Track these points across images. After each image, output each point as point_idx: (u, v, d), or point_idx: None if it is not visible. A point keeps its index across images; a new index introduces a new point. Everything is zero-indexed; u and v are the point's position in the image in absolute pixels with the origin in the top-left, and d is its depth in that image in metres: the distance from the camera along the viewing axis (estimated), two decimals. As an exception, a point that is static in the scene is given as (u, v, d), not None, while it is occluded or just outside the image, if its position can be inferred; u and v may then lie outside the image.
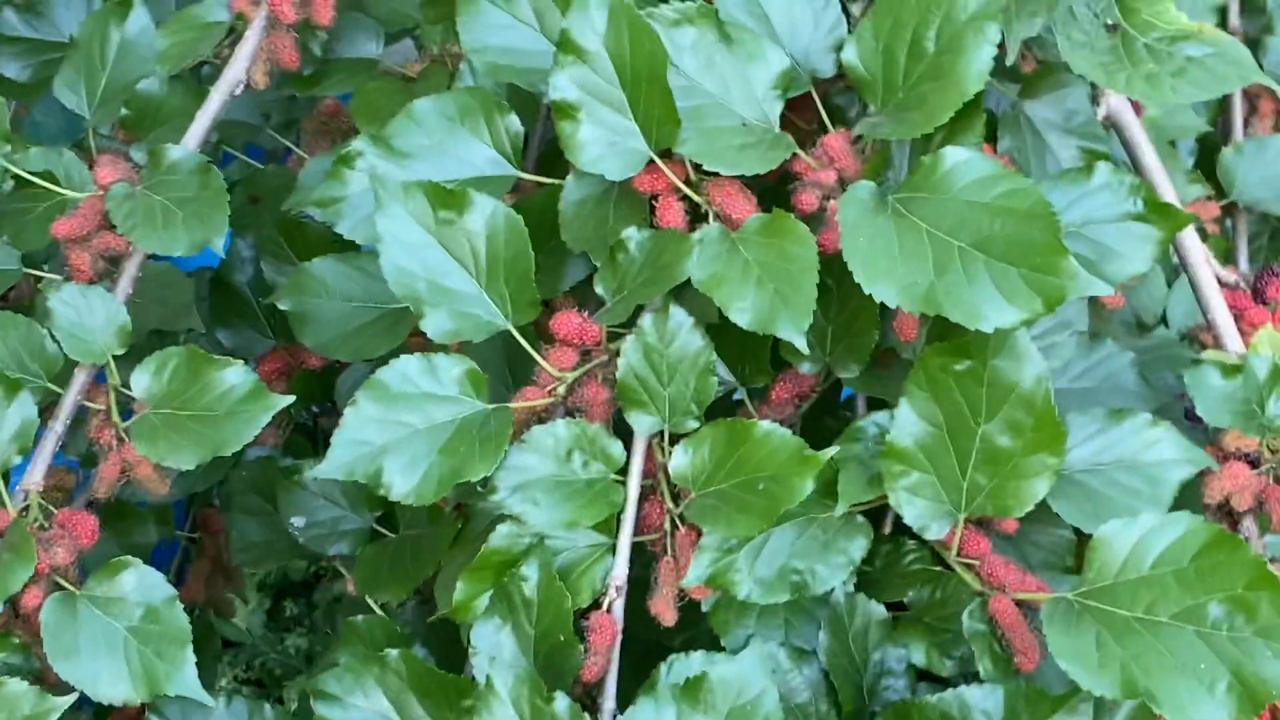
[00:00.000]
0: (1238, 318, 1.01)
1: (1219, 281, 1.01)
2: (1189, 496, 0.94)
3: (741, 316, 0.85)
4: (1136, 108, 1.03)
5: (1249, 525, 0.96)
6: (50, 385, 0.96)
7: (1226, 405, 0.94)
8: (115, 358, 0.95)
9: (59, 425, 0.96)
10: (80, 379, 0.96)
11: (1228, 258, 1.25)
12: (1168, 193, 0.99)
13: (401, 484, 0.87)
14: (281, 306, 1.06)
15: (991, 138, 1.00)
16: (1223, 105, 1.30)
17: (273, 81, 1.08)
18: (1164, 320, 1.13)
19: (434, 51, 1.20)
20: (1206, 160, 1.26)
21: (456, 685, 0.90)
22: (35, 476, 0.94)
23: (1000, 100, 1.03)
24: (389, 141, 0.97)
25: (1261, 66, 0.99)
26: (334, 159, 0.98)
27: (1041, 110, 1.01)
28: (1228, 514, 0.95)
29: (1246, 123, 1.30)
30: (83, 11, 1.52)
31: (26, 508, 0.93)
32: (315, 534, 1.13)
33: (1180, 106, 1.15)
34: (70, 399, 0.96)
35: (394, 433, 0.88)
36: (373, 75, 1.19)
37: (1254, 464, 0.95)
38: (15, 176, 0.99)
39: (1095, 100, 0.99)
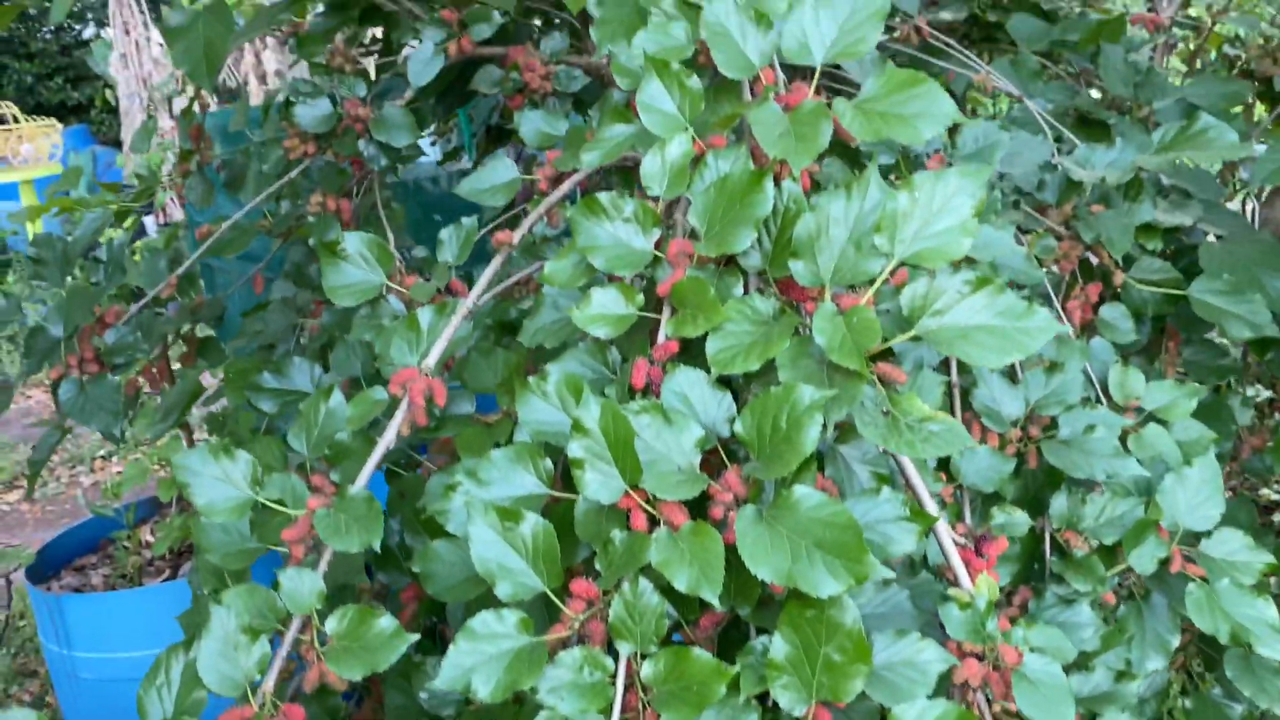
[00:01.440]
0: (967, 565, 1.04)
1: (955, 542, 1.05)
2: (944, 680, 0.97)
3: (680, 584, 0.88)
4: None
5: (980, 697, 0.98)
6: (279, 627, 0.98)
7: (963, 625, 0.97)
8: (316, 610, 0.97)
9: (284, 650, 0.97)
10: (296, 623, 0.97)
11: (959, 516, 1.29)
12: (925, 499, 1.03)
13: (482, 691, 0.89)
14: (414, 569, 1.08)
15: (821, 467, 1.04)
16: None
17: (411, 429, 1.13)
18: (926, 565, 1.15)
19: (503, 409, 1.25)
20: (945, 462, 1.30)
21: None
22: (269, 684, 0.95)
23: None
24: (476, 473, 1.01)
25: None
26: (445, 484, 1.02)
27: (849, 450, 1.05)
28: (966, 690, 0.98)
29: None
30: (307, 374, 1.58)
31: (263, 704, 0.94)
32: (435, 702, 1.13)
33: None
34: (290, 636, 0.97)
35: (477, 659, 0.91)
36: (469, 423, 1.24)
37: (980, 659, 0.98)
38: (262, 503, 1.02)
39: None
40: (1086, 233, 1.64)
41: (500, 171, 1.34)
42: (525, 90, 1.73)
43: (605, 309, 1.05)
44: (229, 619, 0.91)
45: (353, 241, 1.27)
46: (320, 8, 1.94)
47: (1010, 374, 1.43)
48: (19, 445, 5.24)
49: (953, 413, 1.38)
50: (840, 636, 0.89)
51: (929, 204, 0.97)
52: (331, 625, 0.95)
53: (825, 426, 0.90)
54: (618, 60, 1.20)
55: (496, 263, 1.18)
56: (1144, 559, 1.35)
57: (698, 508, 0.94)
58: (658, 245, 1.07)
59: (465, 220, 1.29)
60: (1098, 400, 1.56)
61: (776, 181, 1.02)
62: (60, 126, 9.68)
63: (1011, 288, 1.52)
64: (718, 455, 0.98)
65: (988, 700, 0.97)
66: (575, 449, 0.93)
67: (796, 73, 1.14)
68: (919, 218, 0.97)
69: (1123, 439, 1.47)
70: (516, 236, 1.19)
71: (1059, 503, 1.38)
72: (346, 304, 1.25)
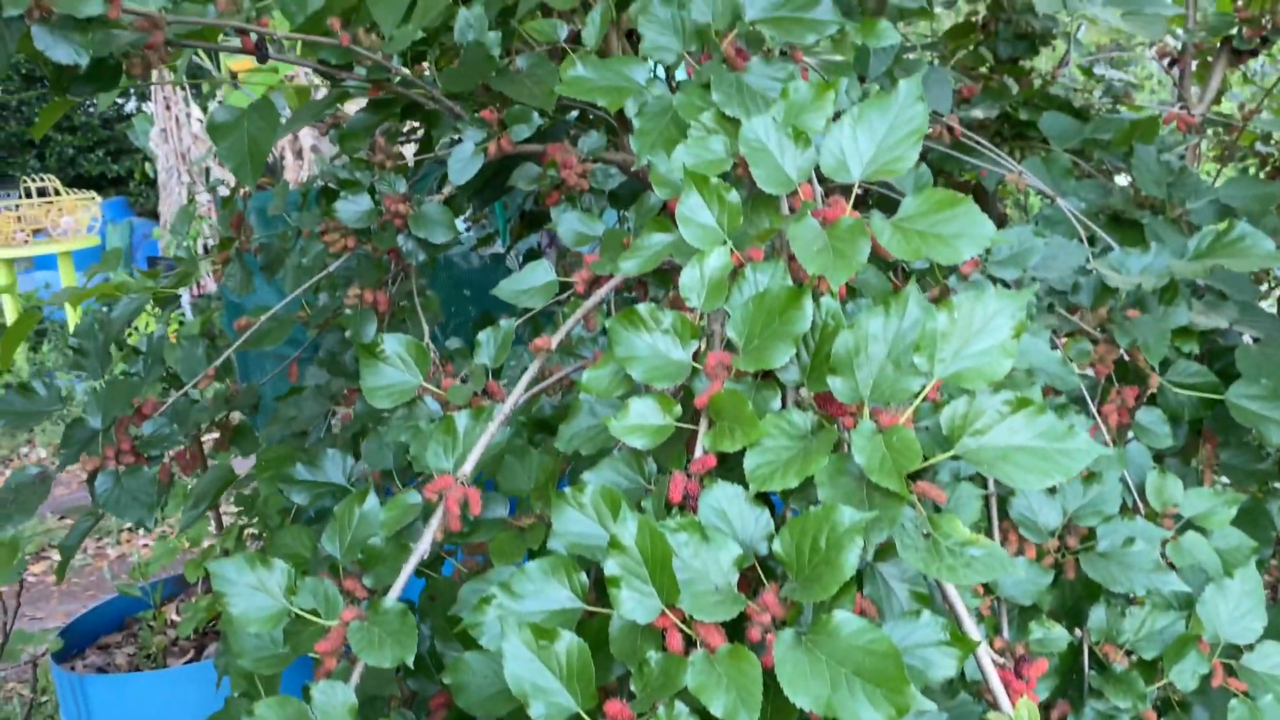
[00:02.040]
0: (1007, 686, 1.02)
1: (994, 662, 1.03)
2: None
3: (717, 710, 0.87)
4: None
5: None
6: None
7: (1007, 754, 0.96)
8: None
9: None
10: (327, 737, 0.97)
11: (996, 629, 1.27)
12: (966, 620, 1.02)
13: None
14: (445, 680, 1.07)
15: (860, 585, 1.03)
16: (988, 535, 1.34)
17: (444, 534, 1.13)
18: (964, 682, 1.12)
19: (536, 512, 1.24)
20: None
21: None
22: None
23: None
24: (510, 587, 1.00)
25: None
26: (479, 595, 1.02)
27: (888, 569, 1.04)
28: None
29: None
30: (340, 465, 1.59)
31: None
32: None
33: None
34: None
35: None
36: (502, 528, 1.23)
37: (1027, 792, 0.96)
38: (294, 613, 1.02)
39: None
40: (1122, 337, 1.63)
41: (538, 274, 1.36)
42: (562, 187, 1.75)
43: (643, 420, 1.05)
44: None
45: (391, 343, 1.28)
46: (361, 101, 1.97)
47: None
48: (46, 515, 5.26)
49: (989, 522, 1.37)
50: (881, 765, 0.88)
51: (968, 324, 0.98)
52: (363, 741, 0.94)
53: (865, 548, 0.90)
54: (656, 170, 1.22)
55: (534, 368, 1.19)
56: (1185, 675, 1.33)
57: (734, 628, 0.93)
58: (695, 357, 1.07)
59: (504, 323, 1.30)
60: (1135, 507, 1.54)
61: (814, 297, 1.03)
62: (99, 199, 9.88)
63: (1047, 393, 1.52)
64: (755, 573, 0.97)
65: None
66: (612, 566, 0.93)
67: (834, 184, 1.15)
68: (958, 337, 0.97)
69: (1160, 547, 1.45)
70: (554, 342, 1.20)
71: (1098, 615, 1.36)
72: (383, 405, 1.26)
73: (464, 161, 1.68)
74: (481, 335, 1.30)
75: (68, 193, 8.81)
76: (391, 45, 1.64)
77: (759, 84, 1.21)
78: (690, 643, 0.92)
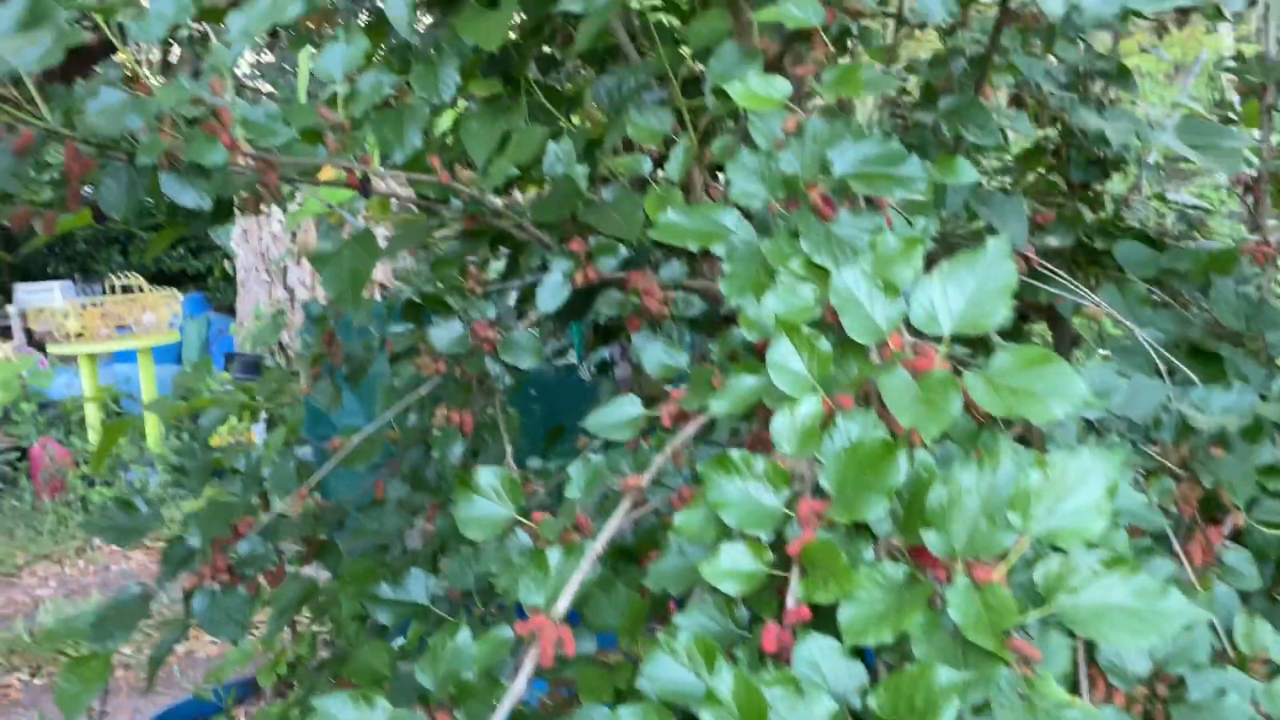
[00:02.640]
0: None
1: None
2: None
3: None
4: None
5: None
6: None
7: None
8: None
9: None
10: None
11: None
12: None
13: None
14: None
15: None
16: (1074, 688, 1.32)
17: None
18: None
19: (623, 649, 1.26)
20: None
21: None
22: None
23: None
24: None
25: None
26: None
27: None
28: None
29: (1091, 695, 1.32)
30: (422, 584, 1.61)
31: None
32: None
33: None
34: None
35: None
36: (590, 664, 1.25)
37: None
38: (393, 751, 1.04)
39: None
40: (1206, 477, 1.62)
41: (626, 409, 1.39)
42: (643, 313, 1.80)
43: (735, 565, 1.06)
44: None
45: (486, 476, 1.31)
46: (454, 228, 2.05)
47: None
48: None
49: (1075, 671, 1.35)
50: None
51: (1062, 481, 0.99)
52: None
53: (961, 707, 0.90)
54: (745, 313, 1.25)
55: (624, 506, 1.22)
56: (1288, 833, 1.29)
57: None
58: (787, 504, 1.09)
59: (593, 457, 1.33)
60: (1223, 650, 1.52)
61: (907, 447, 1.05)
62: (180, 296, 10.20)
63: (1134, 534, 1.51)
64: (850, 729, 0.97)
65: None
66: (708, 719, 0.94)
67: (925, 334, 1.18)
68: (1052, 494, 0.98)
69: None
70: (645, 480, 1.23)
71: (1193, 769, 1.33)
72: (476, 537, 1.29)
73: (553, 290, 1.73)
74: (572, 470, 1.33)
75: (150, 289, 9.10)
76: (487, 180, 1.71)
77: (847, 234, 1.25)
78: (786, 798, 0.93)
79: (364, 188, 1.64)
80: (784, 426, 1.11)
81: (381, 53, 2.12)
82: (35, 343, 11.13)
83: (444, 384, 1.83)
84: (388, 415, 1.76)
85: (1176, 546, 1.64)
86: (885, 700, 0.93)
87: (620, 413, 1.40)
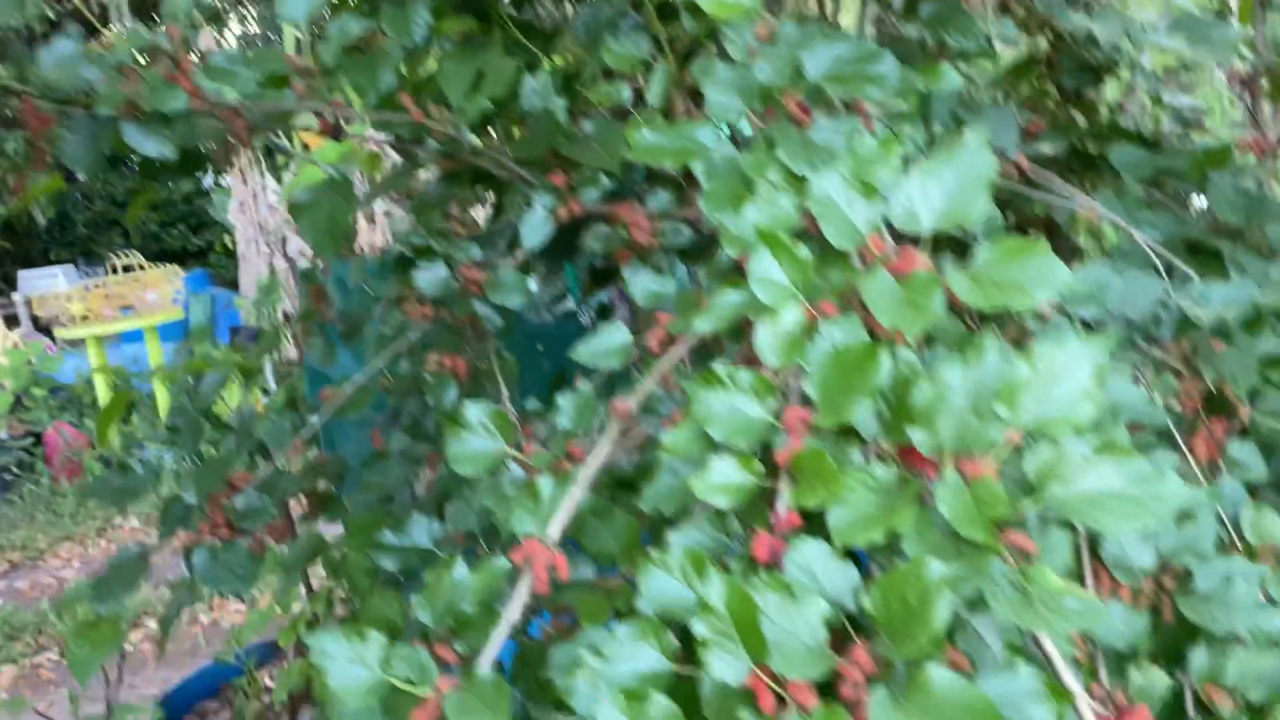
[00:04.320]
0: (1115, 742, 1.00)
1: (1093, 711, 1.01)
2: None
3: (812, 770, 0.87)
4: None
5: None
6: None
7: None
8: None
9: None
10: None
11: (1094, 676, 1.24)
12: (1063, 670, 1.00)
13: None
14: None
15: (952, 637, 1.02)
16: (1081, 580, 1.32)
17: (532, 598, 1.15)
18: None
19: (623, 573, 1.26)
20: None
21: None
22: None
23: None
24: (601, 650, 1.00)
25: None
26: (570, 659, 1.03)
27: (980, 622, 1.02)
28: None
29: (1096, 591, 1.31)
30: (425, 529, 1.61)
31: None
32: None
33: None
34: None
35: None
36: (590, 590, 1.25)
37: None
38: (391, 683, 1.03)
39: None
40: (1208, 370, 1.60)
41: (614, 336, 1.38)
42: (633, 245, 1.78)
43: (725, 479, 1.05)
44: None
45: (474, 411, 1.30)
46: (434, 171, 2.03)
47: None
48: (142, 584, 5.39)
49: (1080, 564, 1.34)
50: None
51: (1050, 370, 0.97)
52: (464, 811, 0.95)
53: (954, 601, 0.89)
54: (726, 229, 1.23)
55: (614, 431, 1.21)
56: (1296, 719, 1.29)
57: (825, 687, 0.92)
58: (774, 414, 1.08)
59: (582, 387, 1.32)
60: (1231, 543, 1.51)
61: (891, 349, 1.03)
62: (182, 272, 10.19)
63: (1134, 430, 1.50)
64: (844, 630, 0.97)
65: None
66: (700, 628, 0.93)
67: (905, 235, 1.16)
68: (1040, 384, 0.97)
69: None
70: (634, 405, 1.22)
71: (1199, 657, 1.33)
72: (468, 473, 1.28)
73: (536, 226, 1.71)
74: (562, 400, 1.32)
75: (151, 267, 9.10)
76: (462, 117, 1.68)
77: (824, 140, 1.22)
78: (782, 702, 0.92)
79: (335, 132, 1.62)
80: (767, 337, 1.09)
81: (350, -2, 2.08)
82: (42, 328, 11.16)
83: (434, 329, 1.82)
84: (377, 363, 1.75)
85: (1180, 443, 1.62)
86: (879, 598, 0.93)
87: (608, 340, 1.39)
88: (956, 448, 0.99)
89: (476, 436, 1.30)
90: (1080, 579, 1.35)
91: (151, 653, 4.85)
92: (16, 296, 12.26)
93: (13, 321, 12.06)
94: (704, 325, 1.19)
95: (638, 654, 1.01)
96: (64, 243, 14.89)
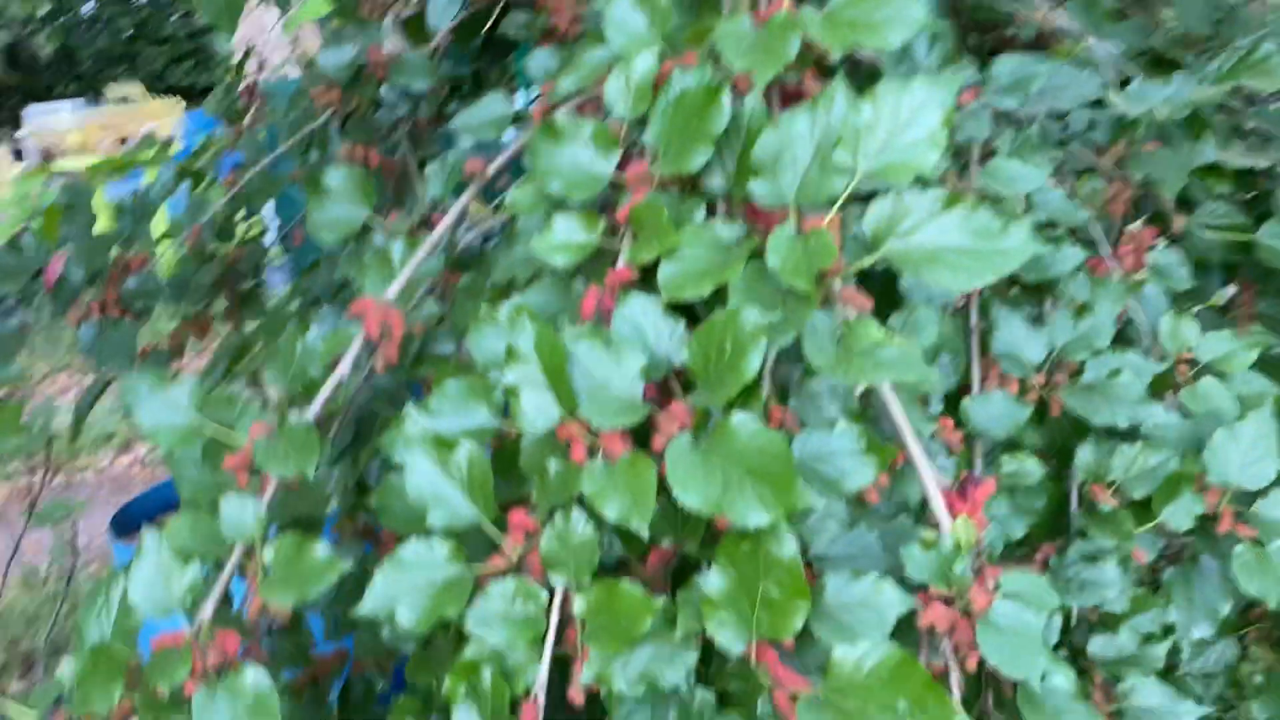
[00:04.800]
0: (950, 508, 0.97)
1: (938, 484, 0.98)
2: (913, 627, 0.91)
3: (610, 514, 0.84)
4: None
5: (946, 644, 0.91)
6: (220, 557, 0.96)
7: (927, 567, 0.90)
8: (261, 538, 0.95)
9: (224, 578, 0.94)
10: (237, 551, 0.96)
11: (969, 465, 1.21)
12: (908, 434, 0.95)
13: (406, 619, 0.86)
14: (371, 503, 1.05)
15: (784, 398, 0.99)
16: (967, 369, 1.27)
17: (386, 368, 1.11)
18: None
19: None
20: (952, 403, 1.22)
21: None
22: (206, 612, 0.93)
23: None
24: (428, 405, 0.98)
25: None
26: (394, 420, 1.00)
27: (819, 386, 0.98)
28: (933, 633, 0.91)
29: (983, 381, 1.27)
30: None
31: (198, 630, 0.92)
32: (397, 638, 1.10)
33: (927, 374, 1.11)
34: (230, 564, 0.95)
35: (403, 587, 0.88)
36: (447, 362, 1.21)
37: (949, 601, 0.91)
38: (205, 429, 1.01)
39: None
40: (1136, 170, 1.52)
41: (494, 106, 1.31)
42: (554, 33, 1.69)
43: (567, 238, 1.00)
44: (161, 543, 0.90)
45: (335, 176, 1.25)
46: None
47: (1037, 317, 1.34)
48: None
49: (969, 357, 1.30)
50: (778, 571, 0.84)
51: (895, 115, 0.90)
52: (268, 555, 0.93)
53: (768, 353, 0.85)
54: (599, -16, 1.15)
55: (469, 193, 1.15)
56: (1179, 514, 1.26)
57: (645, 441, 0.89)
58: (621, 169, 1.02)
59: (450, 155, 1.26)
60: (1149, 353, 1.45)
61: (738, 95, 0.96)
62: (184, 104, 10.04)
63: (1047, 229, 1.43)
64: (669, 386, 0.93)
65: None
66: (510, 376, 0.90)
67: None
68: (884, 130, 0.90)
69: (1174, 391, 1.38)
70: (491, 168, 1.16)
71: (1085, 454, 1.29)
72: (329, 240, 1.23)
73: (445, 6, 1.62)
74: (429, 168, 1.26)
75: (150, 99, 8.96)
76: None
77: (703, -116, 1.13)
78: (594, 453, 0.89)
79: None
80: (617, 87, 1.03)
81: None
82: (48, 162, 11.08)
83: (347, 119, 1.75)
84: (284, 147, 1.68)
85: (1107, 249, 1.56)
86: (696, 348, 0.88)
87: (487, 111, 1.31)
88: (800, 200, 0.93)
89: (337, 203, 1.25)
90: (967, 370, 1.31)
91: (140, 476, 4.95)
92: (24, 132, 12.15)
93: (20, 157, 11.99)
94: (568, 83, 1.13)
95: (465, 409, 0.98)
96: (72, 77, 14.68)
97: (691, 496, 0.82)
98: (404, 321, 1.03)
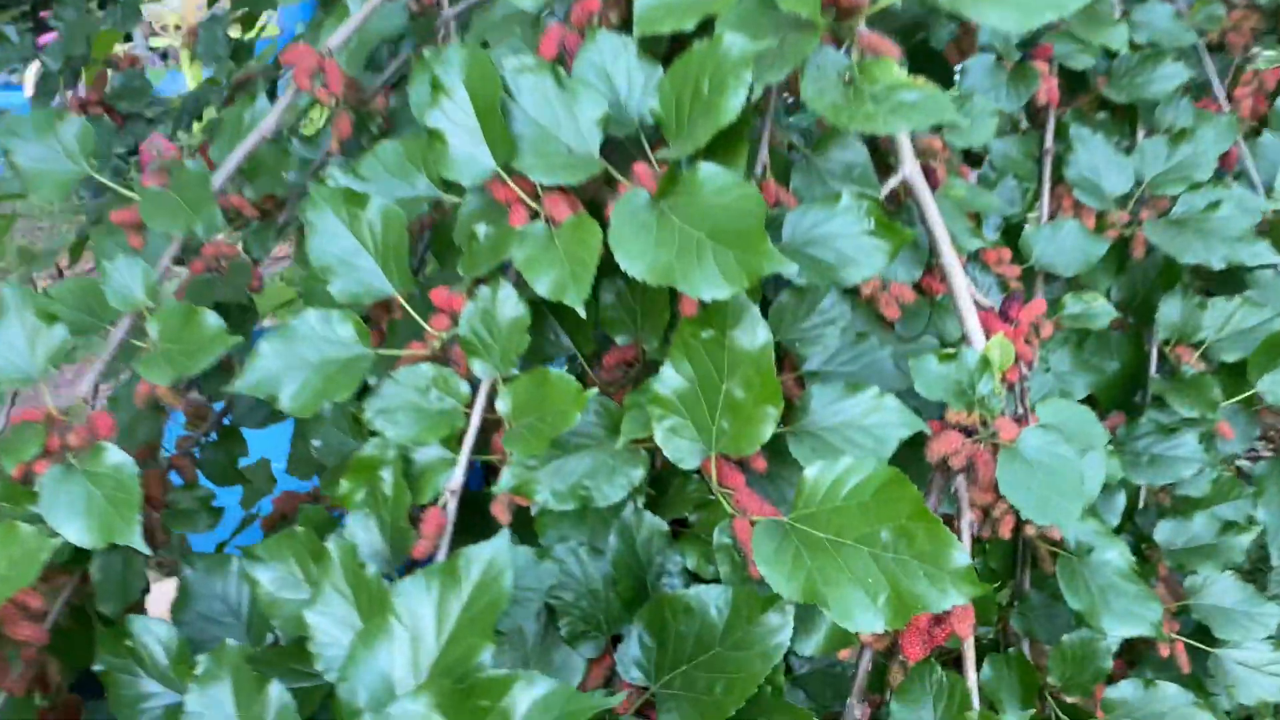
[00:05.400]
0: (987, 332, 0.77)
1: (976, 304, 0.78)
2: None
3: (540, 287, 0.67)
4: (932, 181, 0.81)
5: (961, 481, 0.73)
6: (108, 326, 0.81)
7: (941, 385, 0.71)
8: (148, 310, 0.79)
9: (108, 354, 0.80)
10: (124, 323, 0.81)
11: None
12: (943, 239, 0.76)
13: (286, 400, 0.71)
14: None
15: (787, 180, 0.80)
16: (1035, 198, 1.07)
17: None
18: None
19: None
20: (1013, 236, 1.02)
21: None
22: (83, 388, 0.80)
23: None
24: (358, 170, 0.82)
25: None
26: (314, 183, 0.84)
27: (825, 163, 0.79)
28: (946, 471, 0.72)
29: (1053, 213, 1.06)
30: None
31: (68, 410, 0.78)
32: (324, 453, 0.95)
33: (982, 191, 0.91)
34: (115, 335, 0.81)
35: (290, 362, 0.72)
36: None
37: (969, 433, 0.72)
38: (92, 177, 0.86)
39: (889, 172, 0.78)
40: (1266, -5, 1.27)
41: None
42: None
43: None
44: (24, 303, 0.75)
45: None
46: None
47: (1124, 146, 1.12)
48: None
49: (1039, 182, 1.08)
50: (745, 367, 0.66)
51: None
52: (153, 329, 0.78)
53: (753, 89, 0.65)
54: None
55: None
56: (1277, 385, 1.04)
57: (594, 205, 0.72)
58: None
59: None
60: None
61: None
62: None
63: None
64: (641, 147, 0.74)
65: (970, 484, 0.71)
66: (434, 117, 0.72)
67: None
68: None
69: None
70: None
71: (1170, 307, 1.07)
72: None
73: None
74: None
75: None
76: None
77: None
78: (535, 216, 0.72)
79: None
80: None
81: None
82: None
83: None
84: None
85: (1221, 90, 1.31)
86: (667, 88, 0.70)
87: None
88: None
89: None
90: (1033, 201, 1.10)
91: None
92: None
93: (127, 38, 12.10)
94: None
95: (402, 175, 0.81)
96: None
97: (636, 263, 0.64)
98: (347, 79, 0.86)
